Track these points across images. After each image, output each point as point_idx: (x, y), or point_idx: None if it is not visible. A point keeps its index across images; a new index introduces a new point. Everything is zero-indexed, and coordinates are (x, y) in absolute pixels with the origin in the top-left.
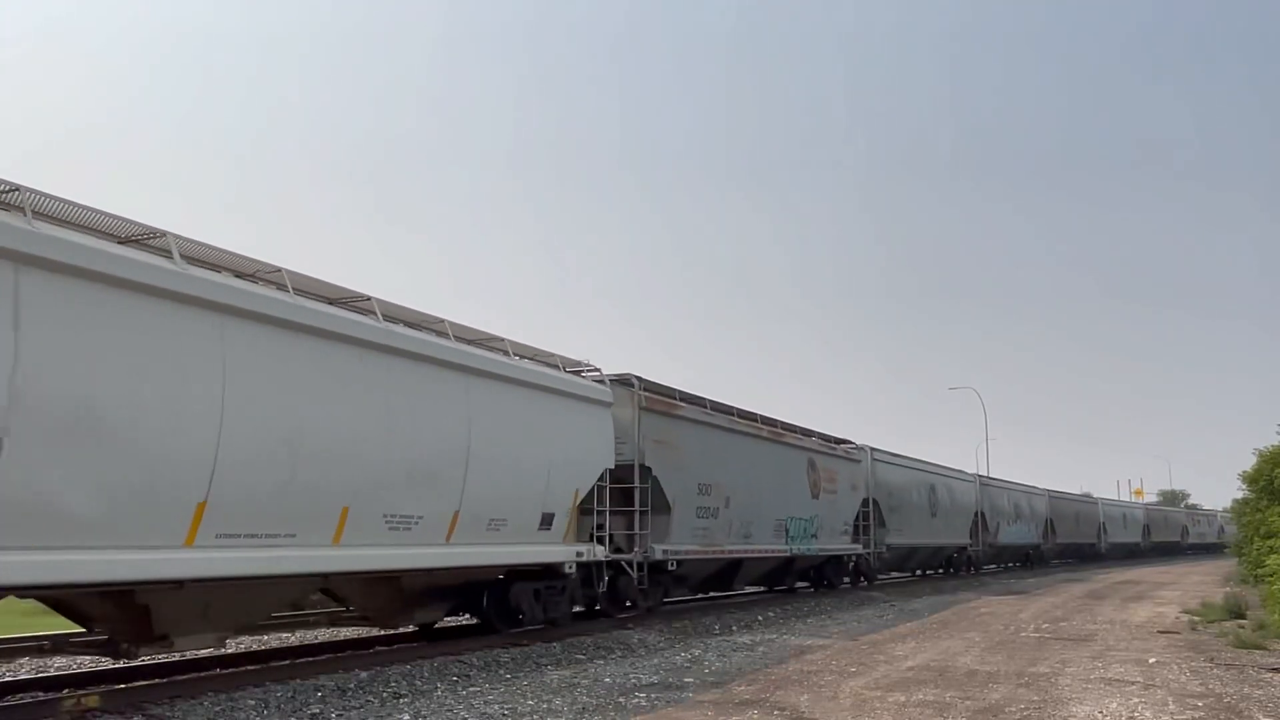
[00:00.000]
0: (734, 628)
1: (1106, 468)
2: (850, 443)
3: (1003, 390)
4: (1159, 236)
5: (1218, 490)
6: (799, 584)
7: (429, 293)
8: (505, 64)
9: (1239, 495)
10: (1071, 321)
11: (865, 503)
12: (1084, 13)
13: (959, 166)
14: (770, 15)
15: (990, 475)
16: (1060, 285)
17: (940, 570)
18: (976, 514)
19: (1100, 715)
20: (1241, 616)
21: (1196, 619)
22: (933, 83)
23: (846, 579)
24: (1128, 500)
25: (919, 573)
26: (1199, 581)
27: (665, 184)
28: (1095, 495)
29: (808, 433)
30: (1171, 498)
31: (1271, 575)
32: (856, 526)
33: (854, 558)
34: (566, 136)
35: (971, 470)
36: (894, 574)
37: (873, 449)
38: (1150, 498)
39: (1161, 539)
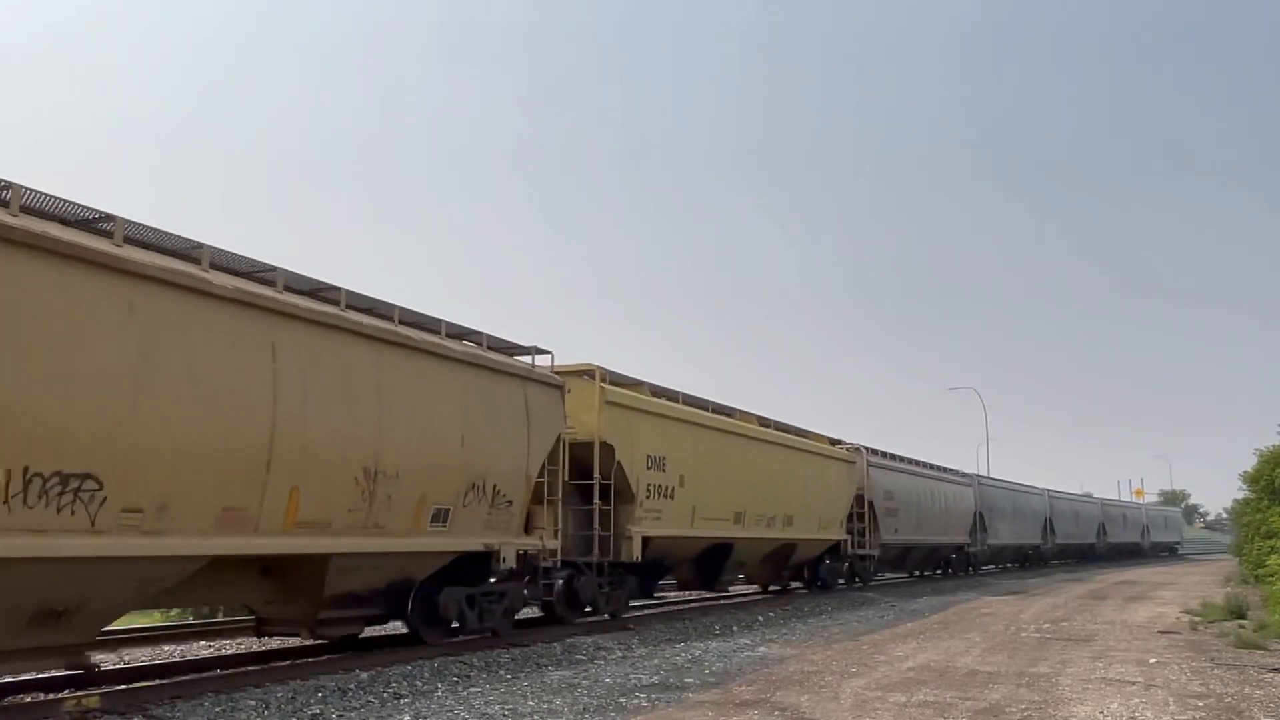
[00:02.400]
0: (734, 628)
1: (1107, 468)
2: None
3: (1006, 390)
4: (1166, 236)
5: (1219, 490)
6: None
7: (431, 293)
8: (509, 63)
9: (1239, 495)
10: (1075, 321)
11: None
12: (1098, 12)
13: (970, 166)
14: (782, 14)
15: (879, 450)
16: (1066, 284)
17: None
18: (862, 503)
19: (1101, 715)
20: (1242, 617)
21: (1197, 619)
22: (945, 82)
23: None
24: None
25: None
26: (1199, 582)
27: (673, 183)
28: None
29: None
30: (1172, 498)
31: (1272, 575)
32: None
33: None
34: (572, 136)
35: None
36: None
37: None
38: (1151, 498)
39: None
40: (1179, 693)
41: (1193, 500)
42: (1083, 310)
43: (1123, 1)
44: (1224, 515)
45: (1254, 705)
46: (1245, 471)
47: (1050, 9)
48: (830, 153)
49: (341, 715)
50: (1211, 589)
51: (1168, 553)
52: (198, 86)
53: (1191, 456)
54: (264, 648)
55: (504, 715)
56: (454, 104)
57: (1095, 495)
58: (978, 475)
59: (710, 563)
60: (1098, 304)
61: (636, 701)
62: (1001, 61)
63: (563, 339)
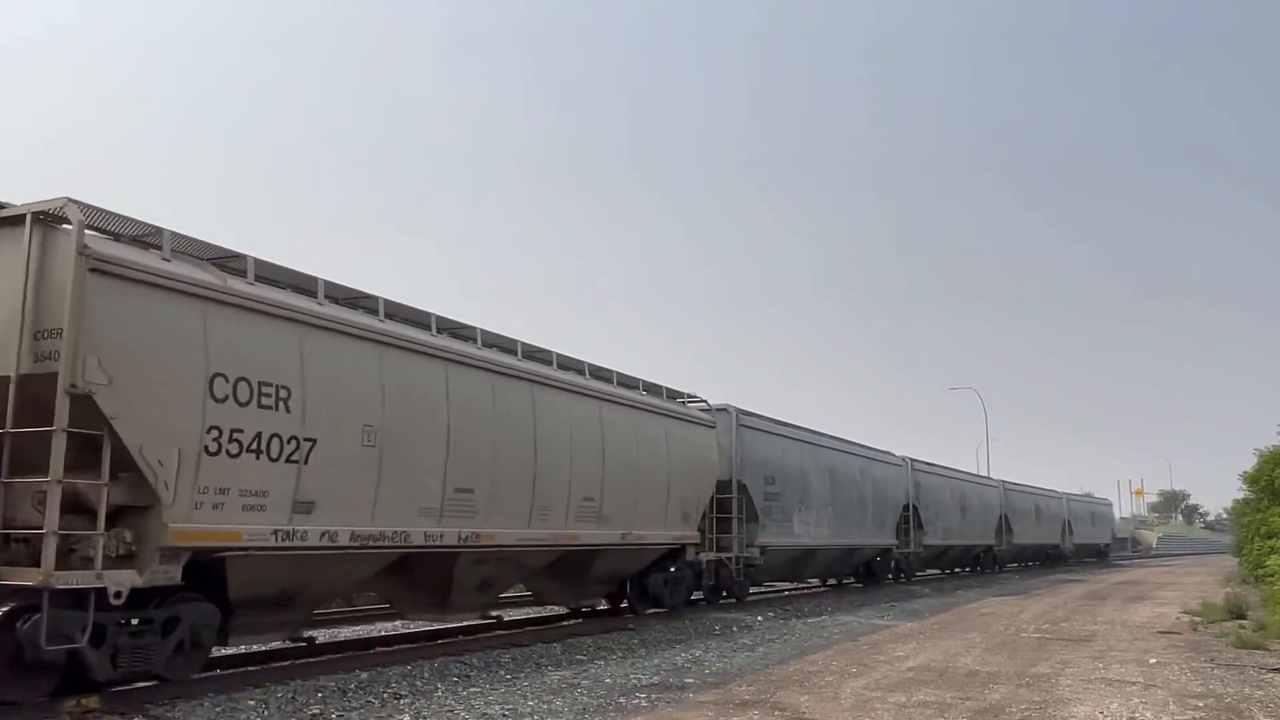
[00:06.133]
0: (734, 628)
1: (1107, 468)
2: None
3: (1007, 390)
4: (1166, 235)
5: (1219, 490)
6: None
7: (434, 293)
8: (516, 65)
9: (1239, 495)
10: (1075, 321)
11: None
12: (1104, 11)
13: (975, 165)
14: (788, 14)
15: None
16: (1066, 284)
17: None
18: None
19: (1101, 715)
20: (1242, 617)
21: (1197, 619)
22: (952, 82)
23: None
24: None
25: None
26: (1199, 582)
27: (679, 183)
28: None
29: None
30: (1172, 498)
31: (1272, 575)
32: None
33: None
34: (578, 136)
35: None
36: None
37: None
38: (1151, 498)
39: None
40: (1179, 693)
41: (1193, 500)
42: (1083, 310)
43: None
44: (1224, 515)
45: (1254, 705)
46: (1245, 472)
47: (1059, 7)
48: (837, 153)
49: (341, 715)
50: (1212, 589)
51: (1095, 558)
52: (202, 88)
53: (1191, 456)
54: (264, 647)
55: (504, 715)
56: (460, 105)
57: (995, 477)
58: (736, 410)
59: None
60: (1098, 304)
61: (637, 701)
62: (1007, 61)
63: (569, 338)
